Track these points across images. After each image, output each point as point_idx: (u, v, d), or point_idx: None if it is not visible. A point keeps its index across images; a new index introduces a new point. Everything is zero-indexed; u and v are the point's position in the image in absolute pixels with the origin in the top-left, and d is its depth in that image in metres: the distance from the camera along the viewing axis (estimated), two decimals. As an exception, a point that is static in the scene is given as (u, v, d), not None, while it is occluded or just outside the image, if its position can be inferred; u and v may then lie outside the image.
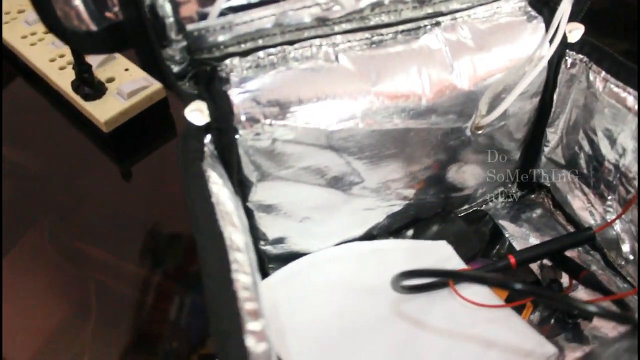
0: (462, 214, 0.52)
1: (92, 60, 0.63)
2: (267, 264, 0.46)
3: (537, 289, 0.42)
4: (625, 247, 0.46)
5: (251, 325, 0.27)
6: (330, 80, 0.39)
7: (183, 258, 0.53)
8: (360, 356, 0.39)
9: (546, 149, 0.49)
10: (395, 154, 0.42)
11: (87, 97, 0.60)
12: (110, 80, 0.63)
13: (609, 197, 0.45)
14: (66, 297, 0.49)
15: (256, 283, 0.31)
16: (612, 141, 0.43)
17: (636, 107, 0.41)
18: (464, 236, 0.47)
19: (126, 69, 0.64)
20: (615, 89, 0.42)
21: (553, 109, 0.47)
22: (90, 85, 0.60)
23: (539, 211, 0.53)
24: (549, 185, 0.52)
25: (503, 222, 0.52)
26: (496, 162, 0.49)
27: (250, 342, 0.26)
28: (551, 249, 0.44)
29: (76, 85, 0.61)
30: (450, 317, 0.42)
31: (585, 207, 0.48)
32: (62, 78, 0.62)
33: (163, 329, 0.47)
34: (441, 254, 0.46)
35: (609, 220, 0.46)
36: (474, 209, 0.53)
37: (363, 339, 0.40)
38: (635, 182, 0.42)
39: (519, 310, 0.44)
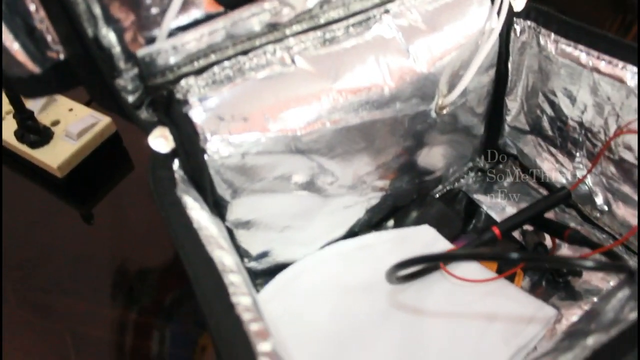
0: (438, 196, 0.52)
1: (33, 105, 0.60)
2: (254, 280, 0.44)
3: (533, 255, 0.43)
4: (599, 200, 0.47)
5: (262, 347, 0.26)
6: (291, 85, 0.38)
7: (156, 291, 0.51)
8: (366, 355, 0.39)
9: (508, 118, 0.50)
10: (366, 147, 0.42)
11: (34, 145, 0.58)
12: (56, 123, 0.60)
13: (577, 154, 0.46)
14: (44, 354, 0.47)
15: (256, 302, 0.30)
16: (572, 99, 0.44)
17: (590, 62, 0.42)
18: (444, 217, 0.47)
19: (70, 109, 0.61)
20: (568, 49, 0.42)
21: (509, 78, 0.47)
22: (35, 132, 0.57)
23: (510, 179, 0.53)
24: (515, 153, 0.53)
25: (477, 196, 0.52)
26: (462, 139, 0.49)
27: (264, 364, 0.25)
28: (531, 214, 0.45)
29: (20, 135, 0.58)
30: (448, 298, 0.42)
31: (555, 168, 0.49)
32: (4, 129, 0.59)
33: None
34: (426, 238, 0.45)
35: (580, 177, 0.47)
36: (448, 188, 0.53)
37: (367, 336, 0.40)
38: (601, 135, 0.43)
39: (511, 279, 0.45)
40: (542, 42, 0.44)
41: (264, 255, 0.43)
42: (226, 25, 0.36)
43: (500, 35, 0.44)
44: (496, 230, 0.44)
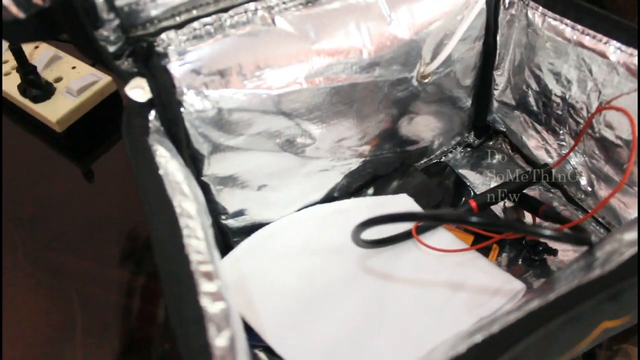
0: (422, 167, 0.52)
1: (38, 61, 0.62)
2: (231, 238, 0.45)
3: (491, 220, 0.43)
4: (583, 181, 0.46)
5: (206, 287, 0.27)
6: (270, 44, 0.38)
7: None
8: (330, 315, 0.39)
9: (496, 92, 0.50)
10: (345, 111, 0.42)
11: (36, 99, 0.59)
12: (58, 80, 0.62)
13: (561, 132, 0.46)
14: (50, 311, 0.48)
15: (211, 247, 0.31)
16: (557, 75, 0.44)
17: (575, 36, 0.41)
18: (424, 188, 0.47)
19: (73, 67, 0.63)
20: (553, 22, 0.42)
21: (497, 51, 0.47)
22: (37, 87, 0.59)
23: (498, 156, 0.53)
24: (504, 130, 0.53)
25: (464, 171, 0.52)
26: (448, 111, 0.49)
27: (205, 302, 0.26)
28: (509, 189, 0.45)
29: (23, 89, 0.60)
30: (417, 267, 0.42)
31: (540, 146, 0.49)
32: (8, 83, 0.61)
33: (153, 332, 0.46)
34: (403, 206, 0.46)
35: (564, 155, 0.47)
36: (434, 161, 0.53)
37: (332, 299, 0.40)
38: (584, 112, 0.43)
39: (486, 253, 0.45)
40: (530, 15, 0.43)
41: (240, 213, 0.44)
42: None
43: (489, 7, 0.44)
44: (473, 203, 0.44)
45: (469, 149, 0.54)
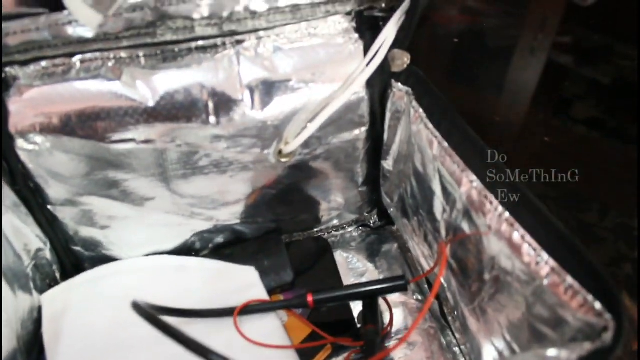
0: (301, 239, 0.50)
1: None
2: (84, 264, 0.46)
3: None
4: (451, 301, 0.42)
5: None
6: (107, 96, 0.37)
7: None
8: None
9: (386, 184, 0.46)
10: (186, 175, 0.41)
11: None
12: None
13: (435, 246, 0.41)
14: None
15: None
16: (424, 185, 0.39)
17: (442, 152, 0.36)
18: (279, 266, 0.45)
19: None
20: (425, 131, 0.37)
21: (385, 142, 0.43)
22: None
23: (394, 245, 0.49)
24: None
25: (350, 254, 0.48)
26: (335, 187, 0.46)
27: None
28: (355, 294, 0.41)
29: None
30: (226, 348, 0.40)
31: (420, 252, 0.44)
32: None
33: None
34: (244, 280, 0.44)
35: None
36: (317, 235, 0.50)
37: (127, 357, 0.40)
38: (443, 231, 0.38)
39: (316, 351, 0.42)
40: (412, 114, 0.39)
41: (89, 245, 0.45)
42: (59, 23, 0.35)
43: (372, 94, 0.40)
44: (309, 297, 0.41)
45: (365, 229, 0.50)
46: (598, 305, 0.26)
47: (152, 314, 0.34)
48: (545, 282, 0.29)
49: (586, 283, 0.27)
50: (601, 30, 0.66)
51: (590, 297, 0.26)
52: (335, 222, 0.49)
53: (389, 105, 0.41)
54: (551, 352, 0.30)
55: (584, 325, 0.27)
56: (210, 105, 0.38)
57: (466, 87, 0.63)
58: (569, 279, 0.28)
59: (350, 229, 0.50)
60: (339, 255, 0.48)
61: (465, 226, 0.35)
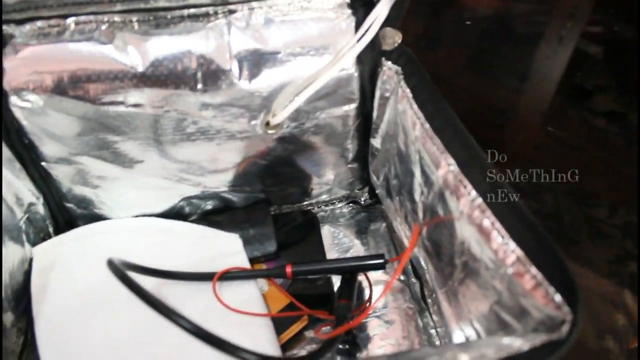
0: (288, 211, 0.50)
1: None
2: (76, 221, 0.47)
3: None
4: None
5: None
6: (101, 60, 0.38)
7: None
8: (101, 330, 0.40)
9: (374, 161, 0.46)
10: (178, 140, 0.41)
11: None
12: None
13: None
14: None
15: None
16: (406, 166, 0.39)
17: (423, 133, 0.36)
18: (263, 236, 0.45)
19: None
20: (409, 111, 0.37)
21: (374, 120, 0.43)
22: None
23: (383, 224, 0.49)
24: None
25: (338, 229, 0.49)
26: (325, 162, 0.46)
27: None
28: (333, 268, 0.42)
29: None
30: (203, 312, 0.41)
31: (402, 230, 0.44)
32: None
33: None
34: (227, 247, 0.44)
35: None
36: (307, 209, 0.50)
37: (109, 315, 0.41)
38: (420, 213, 0.38)
39: (294, 320, 0.43)
40: (400, 93, 0.39)
41: (82, 203, 0.46)
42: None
43: (362, 72, 0.40)
44: (288, 268, 0.41)
45: (356, 207, 0.50)
46: (558, 297, 0.26)
47: (123, 272, 0.35)
48: (510, 270, 0.29)
49: (549, 274, 0.27)
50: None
51: (551, 289, 0.26)
52: (325, 197, 0.50)
53: (378, 83, 0.41)
54: (506, 340, 0.30)
55: (545, 317, 0.26)
56: (199, 73, 0.38)
57: (486, 76, 0.62)
58: (533, 270, 0.27)
59: (340, 205, 0.51)
60: (326, 230, 0.49)
61: (440, 209, 0.35)
